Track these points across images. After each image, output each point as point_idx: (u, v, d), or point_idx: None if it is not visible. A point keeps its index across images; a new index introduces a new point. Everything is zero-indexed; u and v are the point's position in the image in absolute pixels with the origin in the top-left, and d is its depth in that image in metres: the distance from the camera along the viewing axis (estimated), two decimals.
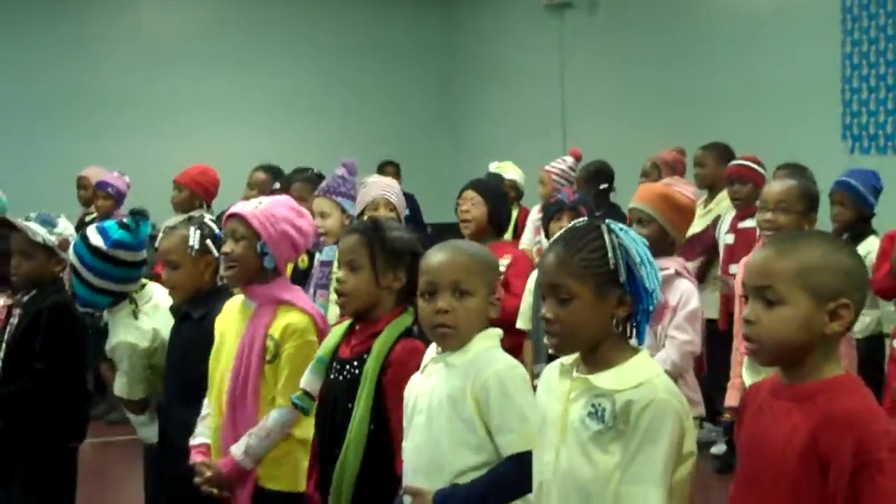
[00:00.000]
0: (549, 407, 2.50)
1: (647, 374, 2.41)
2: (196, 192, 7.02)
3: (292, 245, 3.66)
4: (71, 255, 4.15)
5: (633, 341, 2.48)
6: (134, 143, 10.22)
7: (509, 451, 2.71)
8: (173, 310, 3.99)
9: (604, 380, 2.40)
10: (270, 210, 3.65)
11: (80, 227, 6.17)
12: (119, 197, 7.18)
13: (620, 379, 2.39)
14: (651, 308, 2.47)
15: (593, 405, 2.39)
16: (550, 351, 2.73)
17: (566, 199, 5.16)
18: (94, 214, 7.02)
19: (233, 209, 3.71)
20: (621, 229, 2.48)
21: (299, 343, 3.51)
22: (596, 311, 2.42)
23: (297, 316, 3.56)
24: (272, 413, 3.51)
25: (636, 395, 2.35)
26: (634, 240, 2.47)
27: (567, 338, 2.45)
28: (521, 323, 4.87)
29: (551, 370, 2.57)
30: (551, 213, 5.15)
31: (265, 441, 3.51)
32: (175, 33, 11.13)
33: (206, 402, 3.71)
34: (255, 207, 3.66)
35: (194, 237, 3.87)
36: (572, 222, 2.58)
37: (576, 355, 2.50)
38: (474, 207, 5.27)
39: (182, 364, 3.86)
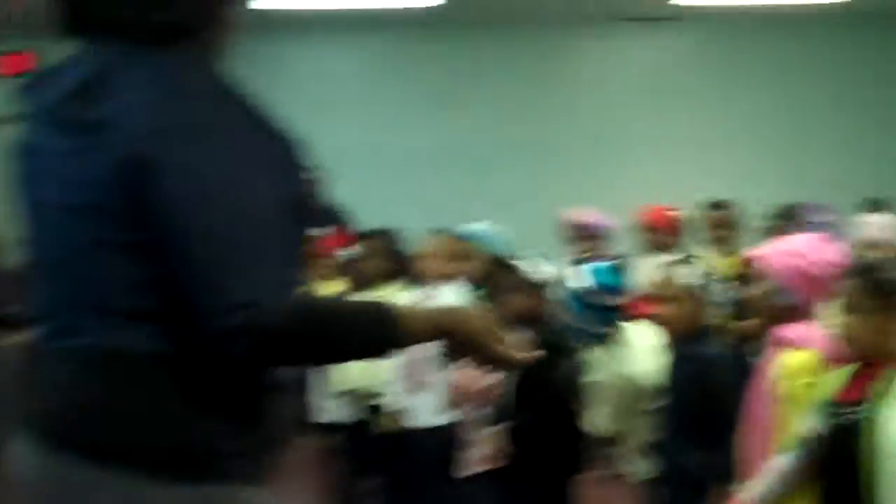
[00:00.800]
0: None
1: None
2: (669, 233, 7.06)
3: (811, 280, 3.49)
4: (554, 295, 4.28)
5: None
6: (607, 181, 10.37)
7: None
8: (666, 348, 4.01)
9: None
10: (781, 247, 3.58)
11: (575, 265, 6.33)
12: (605, 238, 7.29)
13: None
14: None
15: None
16: None
17: None
18: (584, 255, 7.16)
19: (746, 252, 3.68)
20: None
21: (796, 384, 3.37)
22: None
23: (798, 355, 3.42)
24: (776, 458, 3.37)
25: None
26: None
27: None
28: None
29: None
30: None
31: (772, 486, 3.35)
32: (652, 70, 11.21)
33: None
34: (768, 247, 3.61)
35: (687, 275, 3.87)
36: None
37: None
38: None
39: (679, 403, 3.88)
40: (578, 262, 6.38)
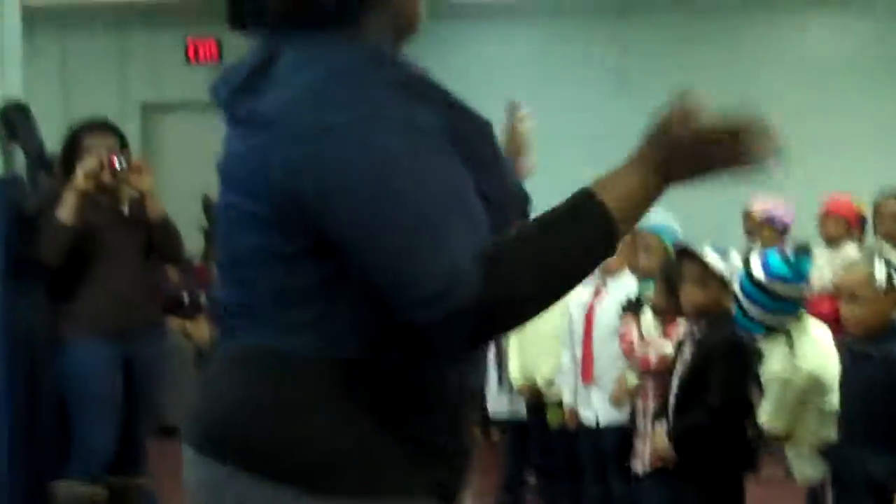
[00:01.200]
0: None
1: None
2: (851, 223, 6.87)
3: None
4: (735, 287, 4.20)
5: None
6: (787, 169, 10.07)
7: None
8: (849, 347, 3.86)
9: None
10: None
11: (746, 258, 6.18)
12: (784, 229, 7.11)
13: None
14: None
15: None
16: None
17: None
18: (764, 244, 7.01)
19: None
20: None
21: None
22: None
23: None
24: None
25: None
26: None
27: None
28: None
29: None
30: None
31: None
32: (838, 53, 10.87)
33: None
34: None
35: (880, 271, 3.73)
36: None
37: None
38: None
39: (860, 404, 3.72)
40: (758, 251, 6.25)
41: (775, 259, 4.14)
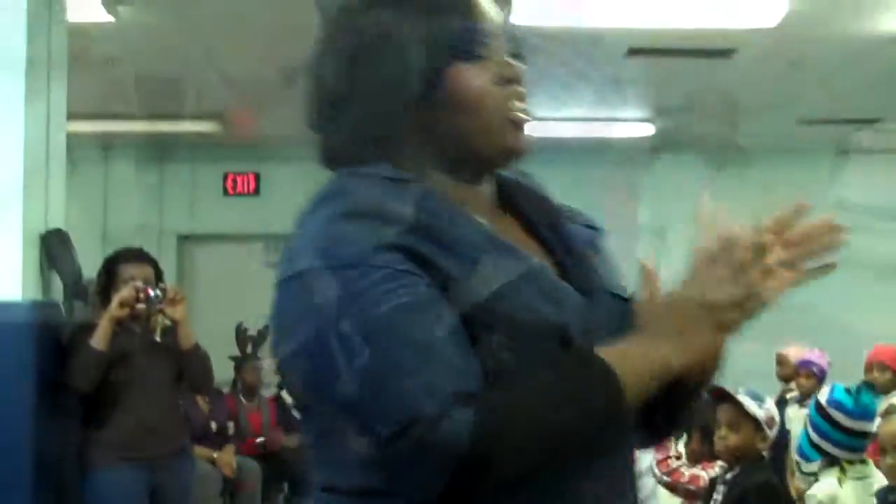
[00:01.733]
0: None
1: None
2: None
3: None
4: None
5: None
6: (827, 315, 10.04)
7: None
8: (881, 493, 3.82)
9: None
10: None
11: (780, 404, 6.11)
12: (821, 375, 7.04)
13: None
14: None
15: None
16: None
17: None
18: (795, 392, 6.93)
19: None
20: None
21: None
22: None
23: None
24: None
25: None
26: None
27: None
28: None
29: None
30: None
31: None
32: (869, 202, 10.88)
33: None
34: None
35: None
36: None
37: None
38: None
39: None
40: (793, 399, 6.18)
41: (840, 390, 4.20)
